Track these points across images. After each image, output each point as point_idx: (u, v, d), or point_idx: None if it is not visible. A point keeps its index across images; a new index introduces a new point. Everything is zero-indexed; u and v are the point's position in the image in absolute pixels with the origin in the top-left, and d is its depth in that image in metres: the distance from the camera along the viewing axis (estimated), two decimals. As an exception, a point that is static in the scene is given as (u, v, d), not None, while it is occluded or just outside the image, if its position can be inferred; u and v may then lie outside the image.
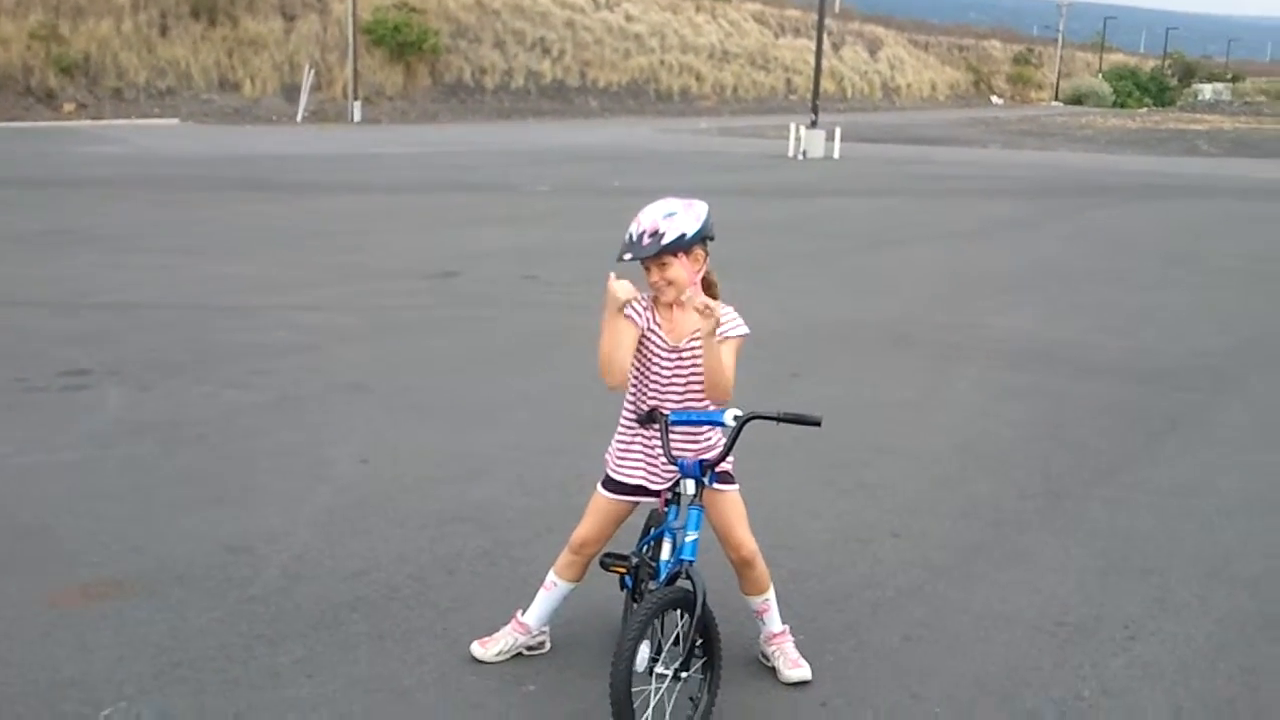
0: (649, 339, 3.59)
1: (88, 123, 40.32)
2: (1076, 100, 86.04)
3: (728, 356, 3.47)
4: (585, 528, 3.76)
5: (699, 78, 62.41)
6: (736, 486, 3.74)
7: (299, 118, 44.10)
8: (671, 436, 3.57)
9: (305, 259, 12.73)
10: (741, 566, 3.77)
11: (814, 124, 32.76)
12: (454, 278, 11.71)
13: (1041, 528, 5.29)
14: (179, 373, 7.73)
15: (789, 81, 68.25)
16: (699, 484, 3.51)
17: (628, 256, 3.46)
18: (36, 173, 21.64)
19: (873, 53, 78.61)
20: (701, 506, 3.52)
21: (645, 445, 3.65)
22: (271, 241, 13.99)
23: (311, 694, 3.69)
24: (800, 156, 31.18)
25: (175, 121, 41.88)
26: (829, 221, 17.58)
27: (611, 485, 3.72)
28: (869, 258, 13.86)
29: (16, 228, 14.62)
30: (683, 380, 3.60)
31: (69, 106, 42.32)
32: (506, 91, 53.13)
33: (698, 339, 3.52)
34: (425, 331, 9.26)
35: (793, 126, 32.48)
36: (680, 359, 3.59)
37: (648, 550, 3.72)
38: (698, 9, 66.62)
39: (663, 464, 3.60)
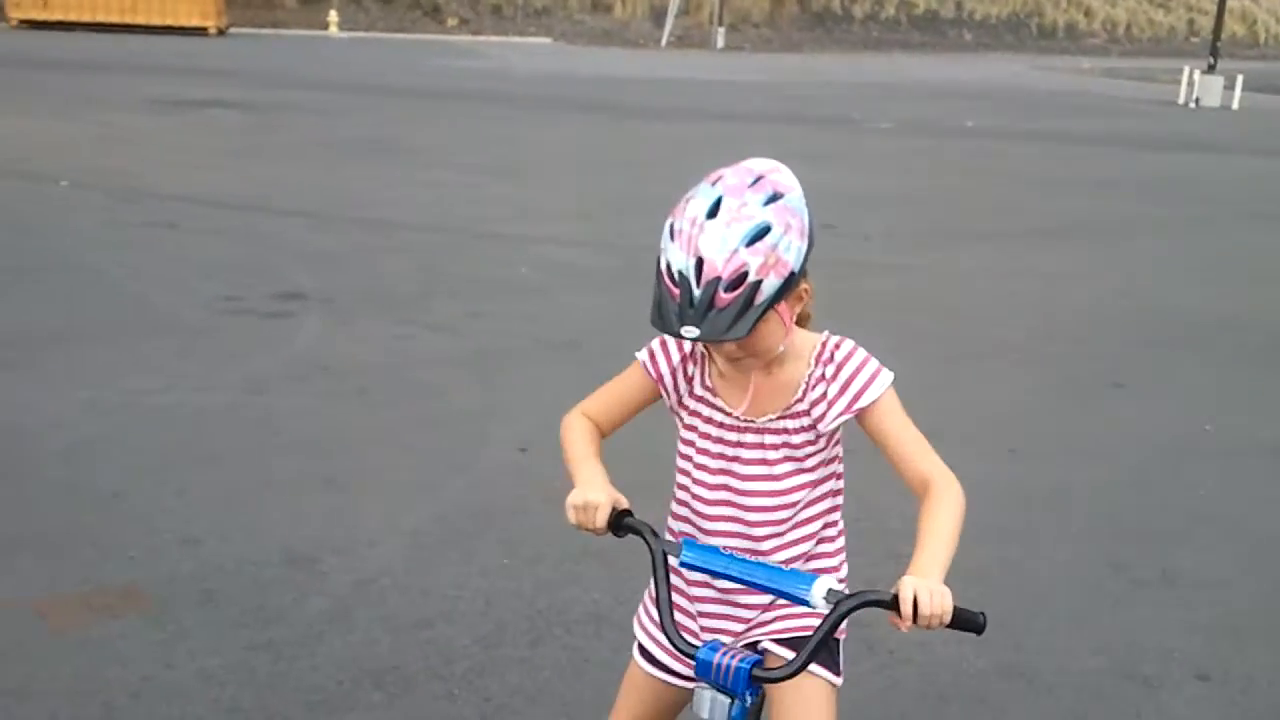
0: (694, 413, 2.03)
1: (466, 38, 41.65)
2: None
3: (892, 425, 1.93)
4: (620, 717, 2.20)
5: (1088, 13, 57.10)
6: (829, 676, 2.05)
7: (663, 42, 43.71)
8: (694, 592, 2.05)
9: (598, 186, 11.86)
10: None
11: (1211, 68, 28.69)
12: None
13: None
14: (391, 308, 6.94)
15: (1191, 22, 61.30)
16: (738, 702, 1.82)
17: (690, 334, 1.78)
18: (397, 82, 22.05)
19: (1301, -7, 69.42)
20: None
21: (684, 589, 2.09)
22: (576, 166, 13.24)
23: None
24: (1192, 105, 27.39)
25: (548, 41, 42.55)
26: (1208, 183, 14.77)
27: (645, 652, 2.17)
28: (1256, 233, 11.29)
29: (336, 135, 14.63)
30: (773, 488, 1.98)
31: (452, 21, 43.90)
32: (876, 22, 50.61)
33: (796, 415, 1.96)
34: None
35: (1186, 70, 28.60)
36: (762, 444, 1.99)
37: None
38: (1098, -63, 60.95)
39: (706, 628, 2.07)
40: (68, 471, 4.39)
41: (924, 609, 1.68)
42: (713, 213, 1.80)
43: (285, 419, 5.07)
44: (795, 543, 2.03)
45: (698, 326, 1.77)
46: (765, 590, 1.85)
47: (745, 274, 1.76)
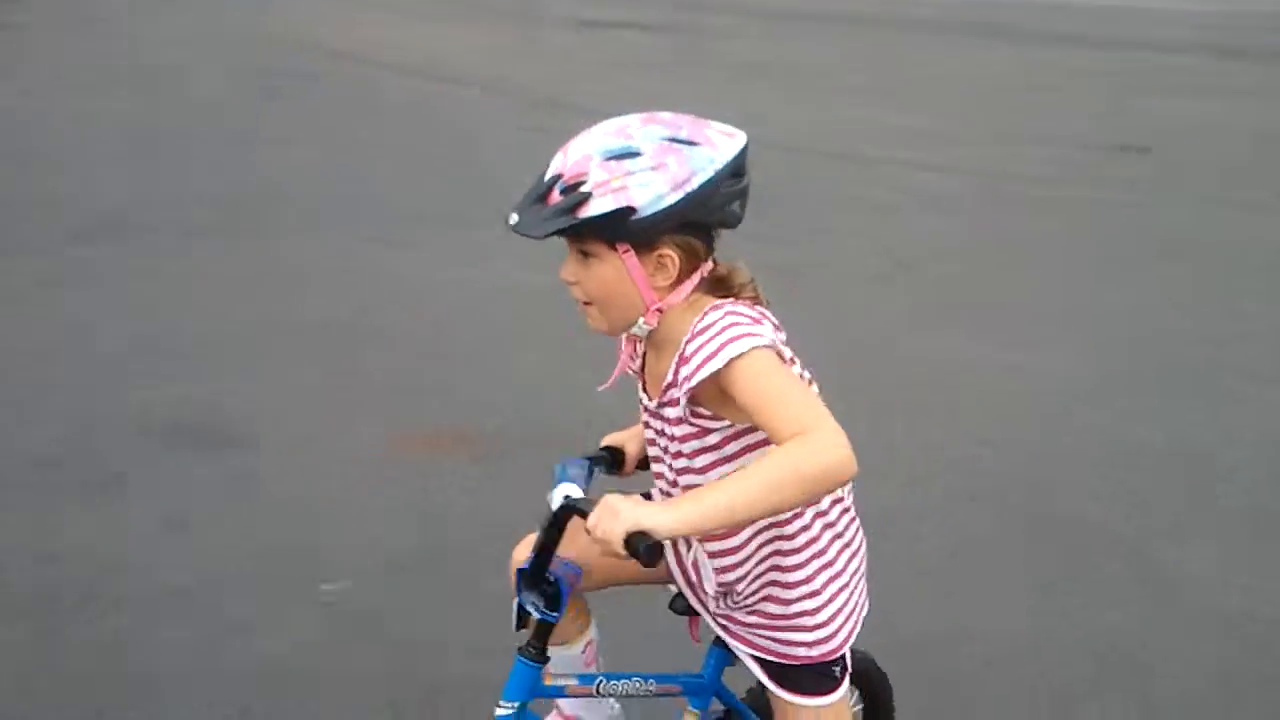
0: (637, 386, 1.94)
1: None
2: None
3: (748, 396, 1.65)
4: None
5: None
6: (800, 700, 1.92)
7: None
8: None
9: (982, 114, 11.54)
10: None
11: None
12: (1138, 155, 9.78)
13: None
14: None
15: None
16: (530, 619, 1.86)
17: (511, 220, 1.69)
18: (805, 8, 21.94)
19: None
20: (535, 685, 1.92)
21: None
22: (964, 92, 12.88)
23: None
24: None
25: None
26: None
27: None
28: None
29: (732, 56, 14.93)
30: (675, 462, 1.85)
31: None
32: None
33: (674, 402, 1.77)
34: (1035, 213, 7.79)
35: None
36: (664, 429, 1.83)
37: None
38: None
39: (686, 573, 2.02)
40: (436, 336, 5.08)
41: (596, 525, 1.59)
42: (602, 129, 1.70)
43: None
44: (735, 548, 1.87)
45: (519, 215, 1.69)
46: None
47: (582, 180, 1.65)
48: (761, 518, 1.68)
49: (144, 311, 5.24)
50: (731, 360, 1.63)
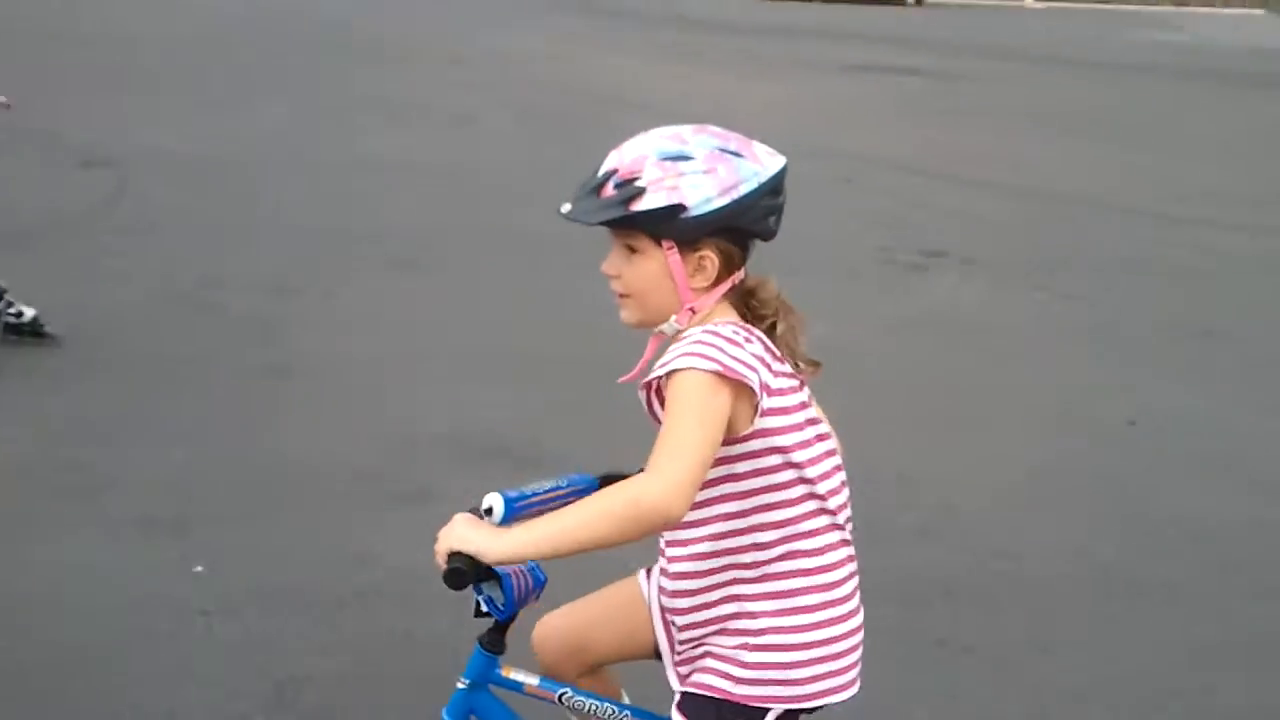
0: None
1: (1170, 9, 39.14)
2: None
3: (667, 403, 1.74)
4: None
5: None
6: None
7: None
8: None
9: (1265, 170, 10.85)
10: None
11: None
12: None
13: None
14: (1026, 271, 7.13)
15: None
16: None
17: (565, 209, 1.82)
18: (1081, 55, 21.19)
19: None
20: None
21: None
22: (1237, 147, 12.12)
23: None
24: None
25: (1260, 12, 38.74)
26: None
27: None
28: None
29: (1005, 103, 14.60)
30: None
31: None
32: None
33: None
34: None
35: None
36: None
37: None
38: None
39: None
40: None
41: (439, 533, 1.75)
42: (655, 134, 1.82)
43: (893, 359, 5.58)
44: (700, 554, 1.86)
45: (573, 204, 1.82)
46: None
47: (636, 177, 1.76)
48: (586, 549, 1.67)
49: (459, 334, 5.63)
50: (671, 373, 1.72)
